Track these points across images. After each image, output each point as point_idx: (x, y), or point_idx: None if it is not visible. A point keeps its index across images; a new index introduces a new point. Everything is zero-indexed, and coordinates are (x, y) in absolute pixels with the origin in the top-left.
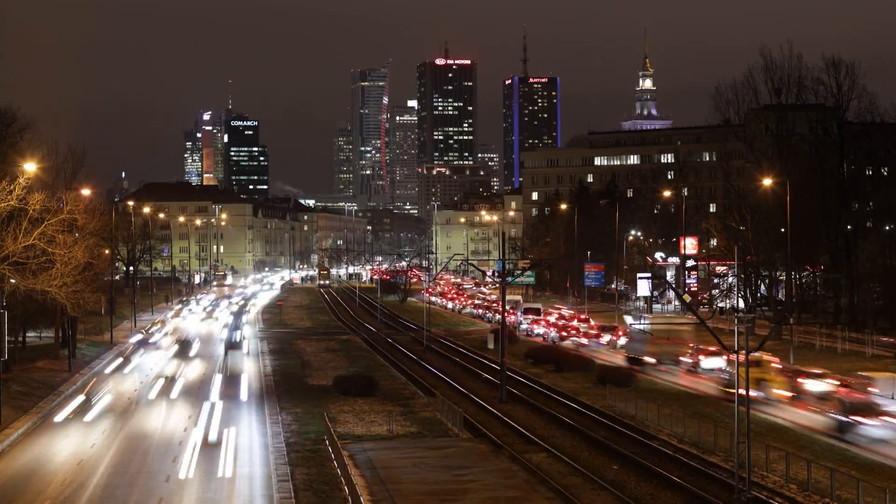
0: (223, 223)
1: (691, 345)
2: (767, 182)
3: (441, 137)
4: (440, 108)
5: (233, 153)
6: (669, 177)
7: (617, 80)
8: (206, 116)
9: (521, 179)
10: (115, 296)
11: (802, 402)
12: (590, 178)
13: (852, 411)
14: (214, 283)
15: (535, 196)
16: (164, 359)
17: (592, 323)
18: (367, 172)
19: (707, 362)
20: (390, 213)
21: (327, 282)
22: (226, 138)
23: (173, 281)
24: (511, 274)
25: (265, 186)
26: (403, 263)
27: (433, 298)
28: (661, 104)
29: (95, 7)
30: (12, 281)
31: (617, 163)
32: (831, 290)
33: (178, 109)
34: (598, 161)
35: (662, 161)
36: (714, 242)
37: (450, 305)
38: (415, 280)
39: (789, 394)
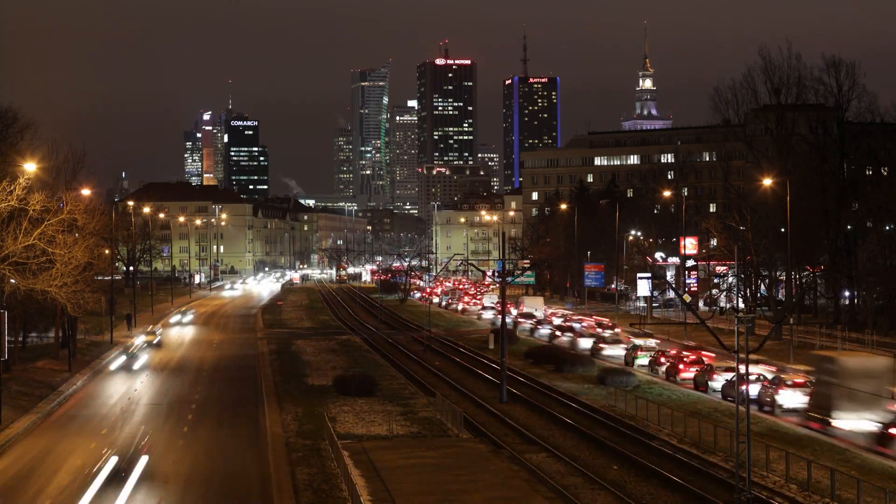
0: (223, 223)
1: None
2: (767, 182)
3: (441, 137)
4: (440, 108)
5: (233, 153)
6: (669, 177)
7: (617, 80)
8: (206, 116)
9: (521, 179)
10: (115, 296)
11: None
12: (590, 178)
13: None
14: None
15: (535, 196)
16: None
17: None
18: (367, 172)
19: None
20: (390, 213)
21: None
22: (226, 138)
23: (173, 281)
24: (511, 274)
25: (265, 186)
26: (404, 263)
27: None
28: (661, 104)
29: (96, 8)
30: (12, 281)
31: (617, 163)
32: (831, 290)
33: (178, 109)
34: (598, 161)
35: (662, 161)
36: (714, 242)
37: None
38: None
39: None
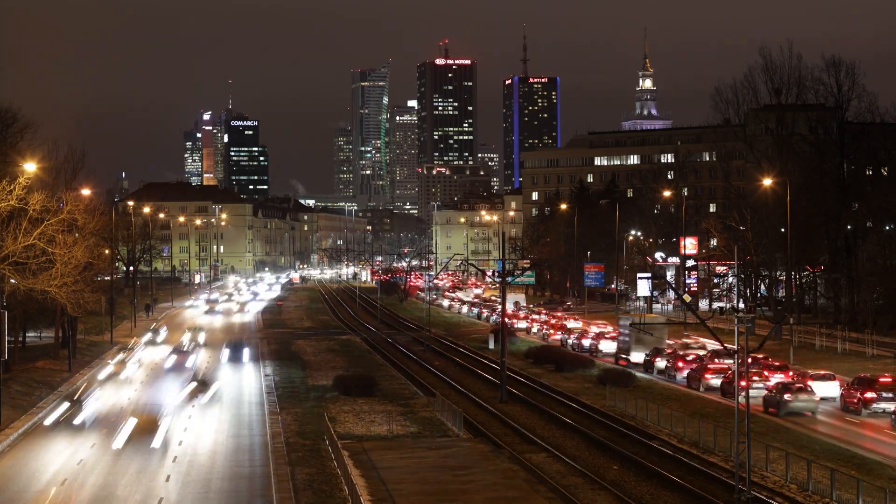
0: (223, 223)
1: None
2: (767, 182)
3: (441, 137)
4: (440, 108)
5: (233, 153)
6: (669, 177)
7: (617, 80)
8: (206, 116)
9: (521, 179)
10: (115, 296)
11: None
12: (590, 178)
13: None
14: None
15: (535, 196)
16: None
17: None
18: (367, 172)
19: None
20: (390, 213)
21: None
22: (226, 138)
23: (173, 281)
24: (511, 274)
25: (265, 186)
26: (403, 263)
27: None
28: (661, 104)
29: (96, 7)
30: (12, 281)
31: (617, 163)
32: (831, 290)
33: (178, 109)
34: (598, 161)
35: (662, 161)
36: (714, 242)
37: (445, 304)
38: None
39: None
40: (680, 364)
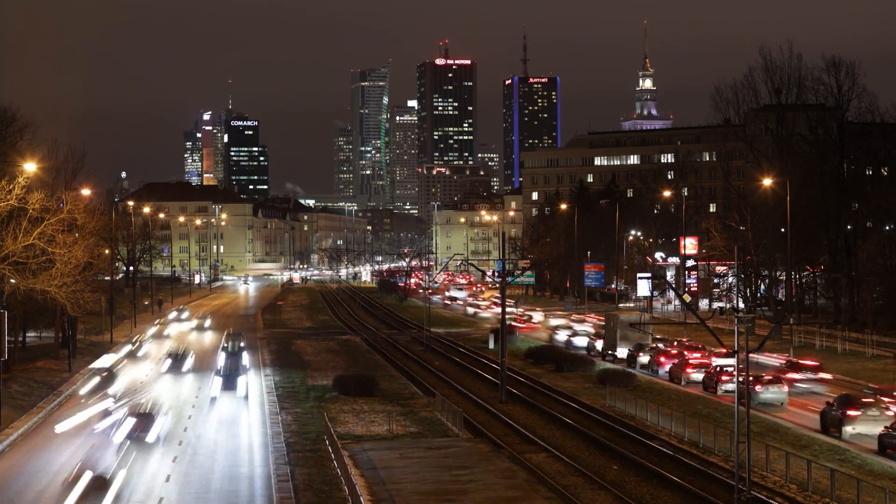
0: (223, 223)
1: None
2: (767, 182)
3: (441, 137)
4: (440, 108)
5: (233, 153)
6: (669, 177)
7: (617, 80)
8: (206, 116)
9: (521, 179)
10: (114, 296)
11: None
12: (590, 178)
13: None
14: None
15: (535, 196)
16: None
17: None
18: (367, 172)
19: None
20: (390, 213)
21: None
22: (226, 138)
23: (173, 281)
24: (511, 274)
25: (265, 186)
26: (402, 263)
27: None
28: (661, 104)
29: (96, 7)
30: (12, 281)
31: (617, 163)
32: (831, 290)
33: (178, 109)
34: (598, 161)
35: (662, 161)
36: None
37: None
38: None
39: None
40: (662, 359)
